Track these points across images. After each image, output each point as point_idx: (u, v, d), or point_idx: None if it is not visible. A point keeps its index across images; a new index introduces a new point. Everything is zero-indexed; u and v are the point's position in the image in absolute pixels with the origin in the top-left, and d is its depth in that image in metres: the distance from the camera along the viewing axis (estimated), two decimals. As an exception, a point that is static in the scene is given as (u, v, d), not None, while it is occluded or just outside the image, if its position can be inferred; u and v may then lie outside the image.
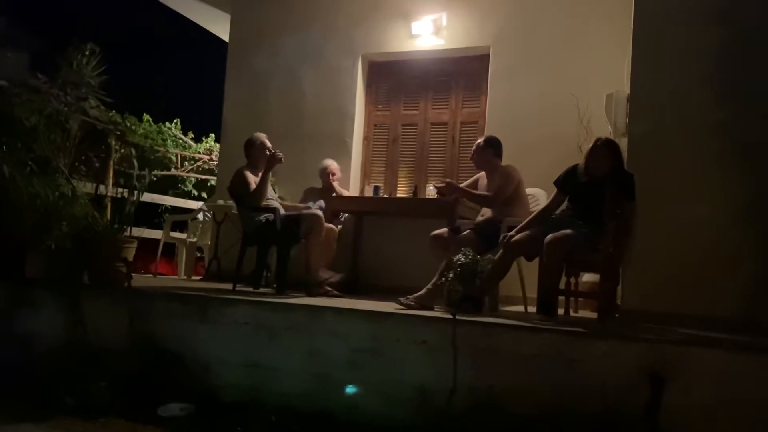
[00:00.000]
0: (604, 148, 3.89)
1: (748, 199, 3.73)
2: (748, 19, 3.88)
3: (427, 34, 6.05)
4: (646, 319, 3.73)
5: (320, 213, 4.68)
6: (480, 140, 4.72)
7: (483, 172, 4.78)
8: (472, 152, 4.76)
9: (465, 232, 4.40)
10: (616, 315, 3.93)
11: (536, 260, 4.02)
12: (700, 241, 3.79)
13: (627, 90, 4.29)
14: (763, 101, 3.79)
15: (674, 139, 3.94)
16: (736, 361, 2.81)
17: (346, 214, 5.79)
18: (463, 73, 6.14)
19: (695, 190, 3.86)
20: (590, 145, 3.96)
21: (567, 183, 4.04)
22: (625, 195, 3.78)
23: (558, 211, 4.08)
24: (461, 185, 4.91)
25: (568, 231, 3.79)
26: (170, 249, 7.53)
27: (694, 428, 2.77)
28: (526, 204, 4.60)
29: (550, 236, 3.77)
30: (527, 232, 3.95)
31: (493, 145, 4.66)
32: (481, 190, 4.73)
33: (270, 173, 4.77)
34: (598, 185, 3.83)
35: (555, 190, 4.10)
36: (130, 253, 4.44)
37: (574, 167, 4.04)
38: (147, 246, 7.11)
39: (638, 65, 4.10)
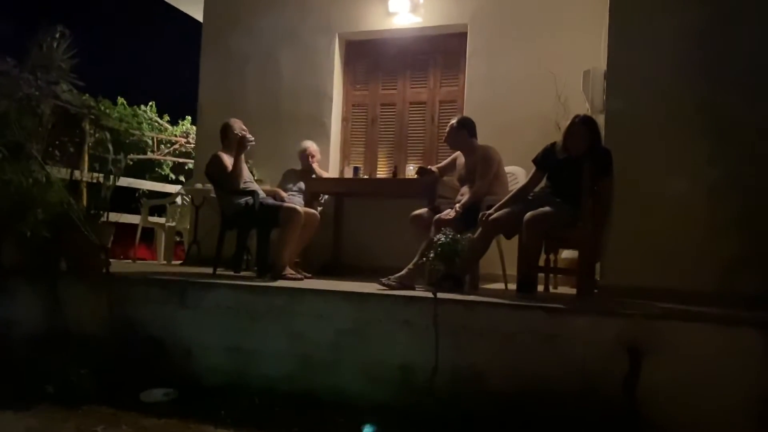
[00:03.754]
0: (582, 125, 3.90)
1: (725, 174, 3.77)
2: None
3: (404, 12, 6.00)
4: (625, 294, 3.77)
5: (299, 208, 4.61)
6: (453, 122, 4.71)
7: (460, 152, 4.78)
8: (446, 134, 4.76)
9: (445, 212, 4.41)
10: (596, 290, 3.98)
11: (516, 238, 4.05)
12: (677, 216, 3.83)
13: (604, 67, 4.30)
14: (740, 77, 3.81)
15: (651, 116, 3.96)
16: (713, 334, 2.86)
17: (326, 196, 5.77)
18: (441, 51, 6.11)
19: (672, 165, 3.89)
20: (568, 123, 3.98)
21: (545, 161, 4.06)
22: (602, 171, 3.81)
23: (536, 189, 4.10)
24: (440, 165, 4.94)
25: (547, 208, 3.81)
26: (149, 234, 7.46)
27: (672, 401, 2.83)
28: (505, 183, 4.61)
29: (529, 214, 3.80)
30: (506, 210, 3.97)
31: (466, 126, 4.66)
32: (459, 169, 4.74)
33: (243, 156, 4.73)
34: (576, 162, 3.85)
35: (533, 168, 4.12)
36: (108, 239, 4.39)
37: (552, 145, 4.06)
38: (125, 231, 7.04)
39: (615, 42, 4.10)
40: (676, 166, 3.88)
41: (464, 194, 4.59)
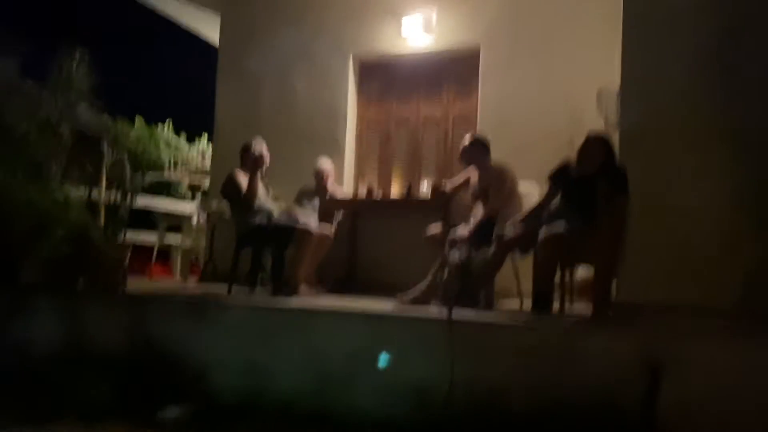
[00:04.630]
0: (596, 142, 3.90)
1: (743, 187, 3.74)
2: (740, 7, 3.89)
3: (417, 32, 6.05)
4: (642, 310, 3.74)
5: (312, 228, 4.65)
6: (466, 140, 4.73)
7: (473, 169, 4.79)
8: (460, 152, 4.77)
9: (459, 231, 4.41)
10: (612, 308, 3.94)
11: (531, 255, 4.03)
12: (695, 231, 3.81)
13: (618, 83, 4.30)
14: (756, 88, 3.80)
15: (666, 130, 3.95)
16: (733, 351, 2.83)
17: (341, 213, 5.79)
18: (454, 70, 6.15)
19: (689, 180, 3.87)
20: (582, 141, 3.98)
21: (559, 178, 4.05)
22: (617, 189, 3.79)
23: (551, 207, 4.09)
24: (453, 183, 4.94)
25: (562, 226, 3.80)
26: (166, 252, 7.51)
27: (692, 419, 2.79)
28: (519, 201, 4.60)
29: (543, 233, 3.79)
30: (521, 229, 3.97)
31: (480, 144, 4.67)
32: (472, 186, 4.74)
33: (258, 175, 4.76)
34: (590, 180, 3.84)
35: (548, 185, 4.12)
36: (126, 258, 4.44)
37: (567, 162, 4.05)
38: (142, 250, 7.10)
39: (628, 58, 4.11)
40: (694, 180, 3.86)
41: (477, 212, 4.59)
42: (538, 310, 3.80)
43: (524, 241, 3.96)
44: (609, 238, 3.78)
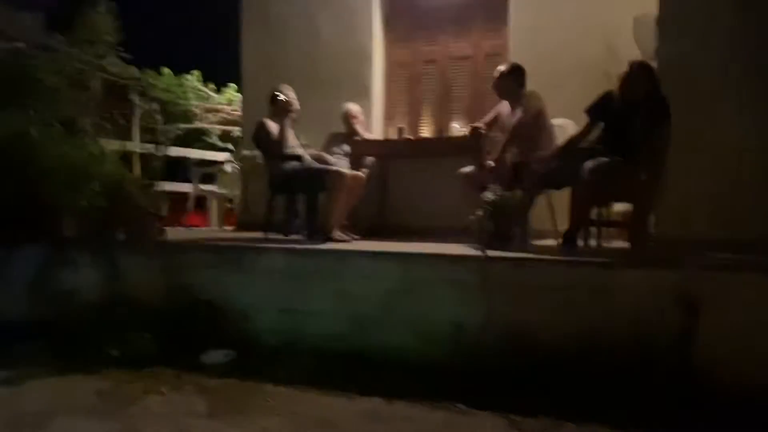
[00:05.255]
0: (641, 70, 3.75)
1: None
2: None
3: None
4: (680, 245, 3.68)
5: (344, 171, 4.62)
6: (502, 68, 4.58)
7: (503, 104, 4.67)
8: (494, 81, 4.64)
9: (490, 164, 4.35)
10: (650, 243, 3.88)
11: (563, 193, 3.96)
12: (733, 165, 3.70)
13: (655, 12, 4.12)
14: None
15: (705, 61, 3.80)
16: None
17: (372, 158, 5.76)
18: (484, 3, 5.95)
19: (727, 112, 3.74)
20: (626, 69, 3.81)
21: (601, 110, 3.90)
22: (660, 118, 3.65)
23: (590, 140, 3.97)
24: (485, 120, 4.83)
25: (607, 159, 3.67)
26: (201, 201, 7.63)
27: (728, 356, 2.76)
28: (551, 134, 4.49)
29: (591, 164, 3.64)
30: (554, 163, 3.88)
31: (515, 73, 4.52)
32: (503, 119, 4.63)
33: (287, 121, 4.74)
34: (633, 111, 3.70)
35: (583, 119, 3.99)
36: (163, 208, 4.50)
37: (608, 94, 3.90)
38: (178, 199, 7.22)
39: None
40: (731, 113, 3.73)
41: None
42: (571, 245, 3.75)
43: (558, 176, 3.88)
44: (651, 168, 3.66)
